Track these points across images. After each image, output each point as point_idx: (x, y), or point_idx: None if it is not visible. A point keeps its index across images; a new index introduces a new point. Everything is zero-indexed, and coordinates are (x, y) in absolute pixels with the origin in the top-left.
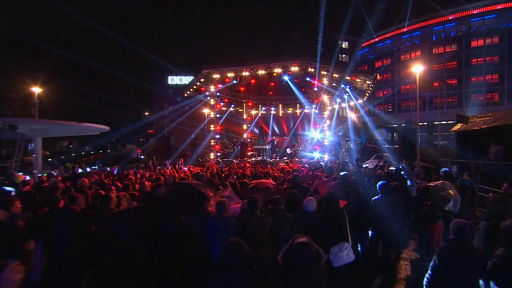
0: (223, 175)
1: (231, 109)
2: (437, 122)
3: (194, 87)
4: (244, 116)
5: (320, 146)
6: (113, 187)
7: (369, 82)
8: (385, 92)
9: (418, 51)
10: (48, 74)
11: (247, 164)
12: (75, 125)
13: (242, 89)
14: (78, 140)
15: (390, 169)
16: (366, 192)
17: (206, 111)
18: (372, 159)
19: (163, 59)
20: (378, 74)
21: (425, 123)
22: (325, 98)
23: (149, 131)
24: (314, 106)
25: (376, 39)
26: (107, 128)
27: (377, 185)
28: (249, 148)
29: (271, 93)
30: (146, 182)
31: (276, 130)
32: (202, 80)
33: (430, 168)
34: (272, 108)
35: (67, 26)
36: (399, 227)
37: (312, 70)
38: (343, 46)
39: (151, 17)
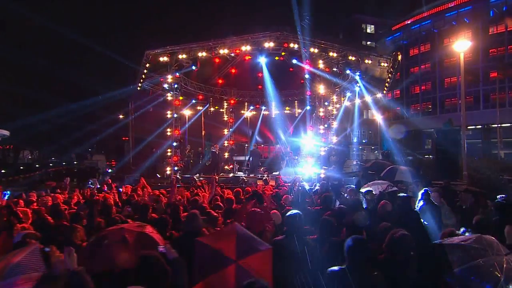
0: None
1: (211, 108)
2: (495, 125)
3: (143, 76)
4: (225, 118)
5: (312, 157)
6: None
7: (386, 65)
8: (422, 88)
9: (468, 31)
10: None
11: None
12: None
13: (220, 81)
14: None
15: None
16: None
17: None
18: (379, 177)
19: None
20: (399, 53)
21: (479, 126)
22: (321, 89)
23: (123, 138)
24: (316, 103)
25: (411, 20)
26: (4, 132)
27: (346, 243)
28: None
29: (260, 87)
30: None
31: (274, 135)
32: (147, 65)
33: (479, 194)
34: (263, 107)
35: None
36: None
37: (296, 46)
38: (368, 30)
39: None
